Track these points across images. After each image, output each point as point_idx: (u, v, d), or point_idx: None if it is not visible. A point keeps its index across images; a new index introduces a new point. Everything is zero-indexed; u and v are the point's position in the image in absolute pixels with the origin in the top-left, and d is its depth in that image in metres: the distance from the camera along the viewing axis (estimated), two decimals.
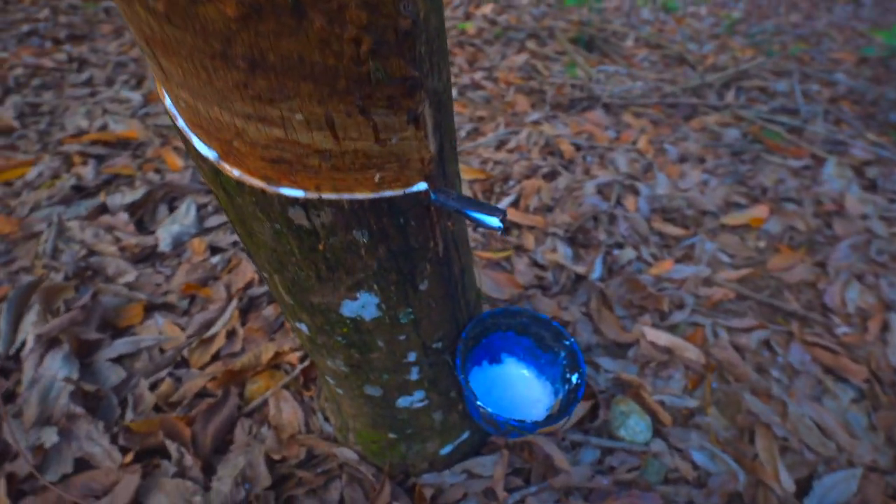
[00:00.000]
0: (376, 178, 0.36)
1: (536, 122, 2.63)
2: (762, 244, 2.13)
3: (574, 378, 0.99)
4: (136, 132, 2.36)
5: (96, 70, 2.78)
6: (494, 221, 0.43)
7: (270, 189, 0.36)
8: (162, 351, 1.53)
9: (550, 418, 0.92)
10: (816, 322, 1.84)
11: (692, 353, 1.72)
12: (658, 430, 1.55)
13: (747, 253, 2.11)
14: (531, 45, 3.41)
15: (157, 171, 2.18)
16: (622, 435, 1.51)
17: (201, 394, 1.44)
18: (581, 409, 1.52)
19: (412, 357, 0.73)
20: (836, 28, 3.58)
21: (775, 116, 2.70)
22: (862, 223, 2.15)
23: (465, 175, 2.28)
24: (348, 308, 0.51)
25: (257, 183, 0.35)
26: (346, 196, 0.37)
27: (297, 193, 0.37)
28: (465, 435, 1.25)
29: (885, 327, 1.79)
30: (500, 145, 2.52)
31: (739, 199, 2.29)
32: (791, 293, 1.96)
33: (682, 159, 2.46)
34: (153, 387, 1.44)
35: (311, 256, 0.44)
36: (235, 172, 0.35)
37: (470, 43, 3.38)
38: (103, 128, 2.38)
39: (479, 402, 0.92)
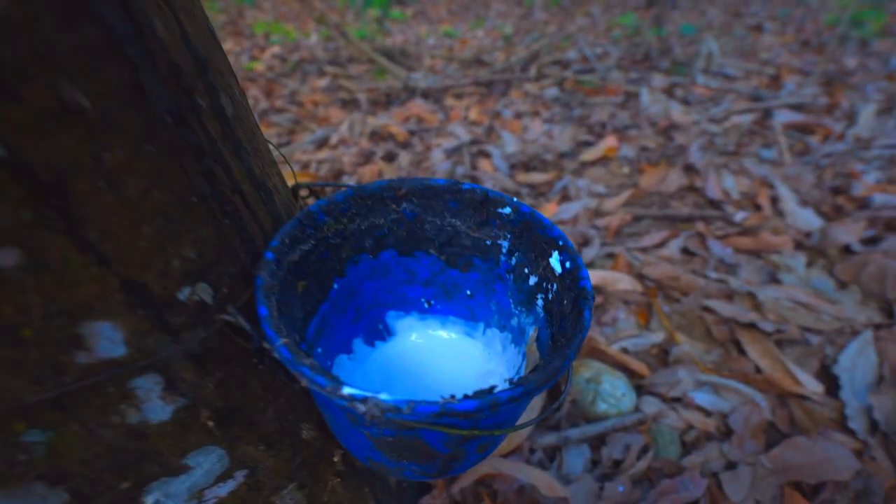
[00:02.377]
0: None
1: (357, 120, 2.14)
2: (626, 169, 1.89)
3: (556, 265, 0.40)
4: None
5: None
6: None
7: None
8: None
9: (526, 387, 0.30)
10: (715, 218, 1.59)
11: (625, 282, 1.28)
12: (640, 387, 1.03)
13: (618, 180, 1.83)
14: (331, 69, 3.01)
15: None
16: (603, 410, 0.95)
17: None
18: (534, 400, 0.93)
19: None
20: (585, 31, 3.92)
21: (580, 76, 2.64)
22: (697, 128, 2.05)
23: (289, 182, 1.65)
24: None
25: None
26: None
27: None
28: None
29: (774, 200, 1.58)
30: (321, 144, 1.95)
31: (587, 137, 2.05)
32: (676, 201, 1.69)
33: (519, 116, 2.17)
34: None
35: None
36: None
37: (263, 77, 2.84)
38: None
39: (346, 389, 0.27)
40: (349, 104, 2.55)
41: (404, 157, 1.81)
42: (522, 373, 0.46)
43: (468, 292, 0.52)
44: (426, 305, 0.54)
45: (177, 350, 0.32)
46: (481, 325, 0.52)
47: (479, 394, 0.29)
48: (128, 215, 0.28)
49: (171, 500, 0.37)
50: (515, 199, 0.44)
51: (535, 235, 0.42)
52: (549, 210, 1.60)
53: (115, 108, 0.26)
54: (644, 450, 0.88)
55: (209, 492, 0.39)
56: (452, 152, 1.86)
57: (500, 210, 0.44)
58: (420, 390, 0.50)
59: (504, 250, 0.46)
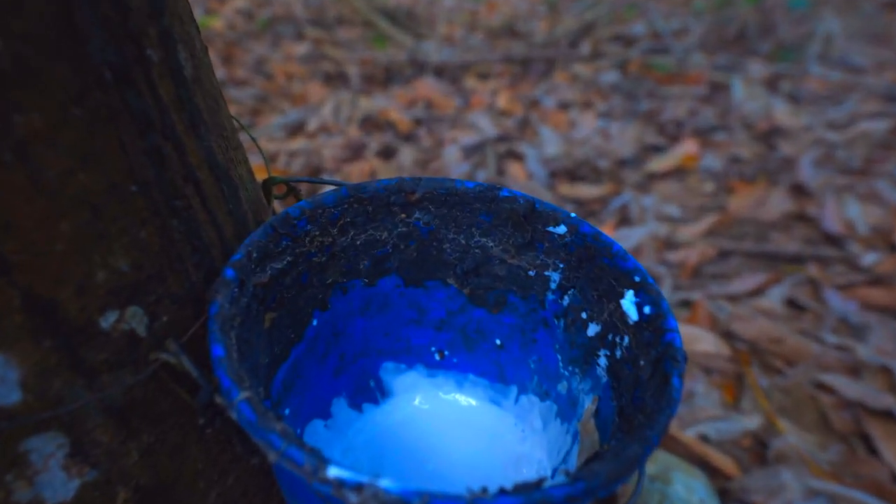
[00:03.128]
0: None
1: (345, 101, 2.18)
2: (710, 186, 1.89)
3: (630, 309, 0.39)
4: None
5: None
6: None
7: None
8: None
9: (590, 482, 0.28)
10: (834, 259, 1.58)
11: (706, 341, 1.26)
12: (725, 492, 0.99)
13: (698, 200, 1.84)
14: (314, 32, 3.08)
15: None
16: None
17: None
18: None
19: None
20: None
21: (649, 58, 2.68)
22: (809, 135, 2.05)
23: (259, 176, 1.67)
24: None
25: None
26: None
27: None
28: None
29: None
30: (295, 131, 1.98)
31: (656, 140, 2.07)
32: (779, 233, 1.69)
33: (565, 107, 2.20)
34: None
35: None
36: None
37: (221, 37, 2.92)
38: None
39: (333, 470, 0.26)
40: (335, 79, 2.59)
41: (406, 154, 1.82)
42: (572, 462, 0.44)
43: (498, 342, 0.50)
44: (437, 357, 0.53)
45: (92, 400, 0.31)
46: (514, 390, 0.51)
47: (523, 489, 0.27)
48: (41, 205, 0.27)
49: None
50: (574, 215, 0.43)
51: (599, 267, 0.41)
52: None
53: (34, 55, 0.25)
54: None
55: None
56: (472, 151, 1.87)
57: (550, 229, 0.43)
58: (421, 480, 0.48)
59: (553, 286, 0.45)
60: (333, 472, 0.27)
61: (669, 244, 1.63)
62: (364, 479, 0.26)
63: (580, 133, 2.06)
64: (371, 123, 2.03)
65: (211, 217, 0.37)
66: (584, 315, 0.44)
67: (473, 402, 0.53)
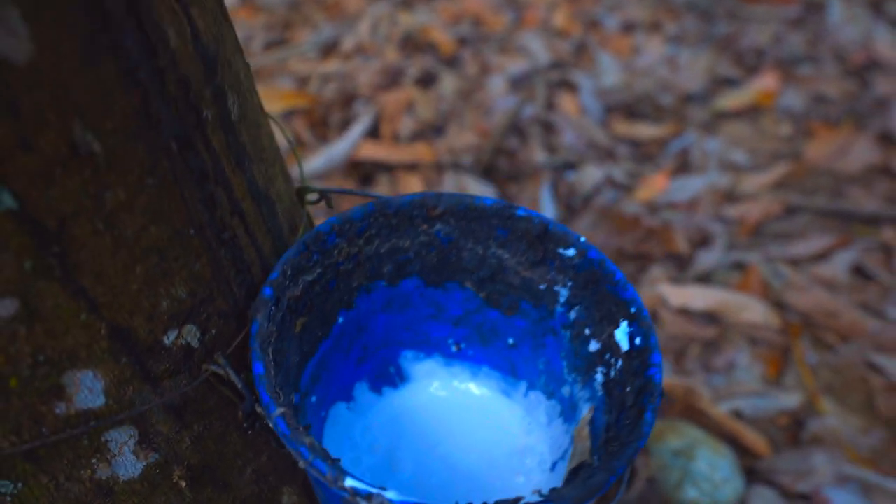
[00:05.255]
0: None
1: (383, 16, 2.20)
2: (787, 129, 1.89)
3: (623, 338, 0.48)
4: None
5: None
6: None
7: None
8: None
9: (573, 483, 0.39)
10: None
11: (755, 310, 1.34)
12: (752, 471, 1.10)
13: (771, 145, 1.85)
14: None
15: None
16: (692, 499, 1.04)
17: None
18: None
19: None
20: None
21: None
22: None
23: (274, 104, 1.77)
24: None
25: None
26: None
27: None
28: None
29: None
30: (328, 51, 2.04)
31: (731, 72, 2.06)
32: (858, 188, 1.70)
33: (629, 29, 2.18)
34: None
35: None
36: None
37: None
38: None
39: (349, 481, 0.37)
40: None
41: (448, 83, 1.87)
42: (567, 460, 0.55)
43: (511, 341, 0.60)
44: (454, 349, 0.63)
45: (156, 402, 0.43)
46: (523, 385, 0.62)
47: None
48: (122, 257, 0.37)
49: None
50: (583, 240, 0.52)
51: (602, 292, 0.50)
52: (656, 184, 1.65)
53: (120, 144, 0.35)
54: None
55: None
56: (520, 82, 1.91)
57: (560, 251, 0.52)
58: (433, 461, 0.60)
59: (562, 300, 0.54)
60: (350, 482, 0.38)
61: (730, 196, 1.67)
62: (374, 490, 0.37)
63: (644, 61, 2.06)
64: (411, 44, 2.07)
65: (252, 240, 0.47)
66: (587, 331, 0.53)
67: (486, 393, 0.64)
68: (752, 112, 1.94)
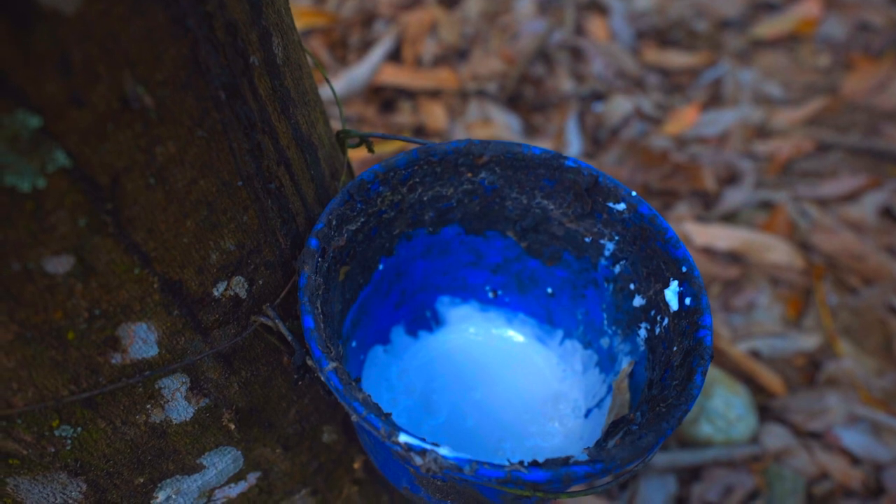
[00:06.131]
0: None
1: None
2: (825, 60, 1.82)
3: (672, 297, 0.47)
4: None
5: None
6: None
7: None
8: None
9: (607, 464, 0.38)
10: None
11: (779, 251, 1.33)
12: (765, 409, 1.12)
13: (806, 77, 1.79)
14: None
15: None
16: (706, 435, 1.06)
17: None
18: None
19: None
20: None
21: None
22: None
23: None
24: None
25: None
26: None
27: None
28: None
29: None
30: None
31: None
32: (894, 126, 1.65)
33: None
34: None
35: None
36: None
37: None
38: None
39: (403, 437, 0.37)
40: None
41: (473, 4, 1.79)
42: (606, 408, 0.55)
43: (549, 290, 0.60)
44: (491, 295, 0.63)
45: (206, 350, 0.43)
46: (559, 333, 0.61)
47: (552, 464, 0.38)
48: (173, 211, 0.36)
49: (182, 498, 0.50)
50: (634, 194, 0.50)
51: (651, 248, 0.49)
52: (686, 117, 1.61)
53: (170, 95, 0.33)
54: (751, 496, 1.00)
55: (219, 492, 0.53)
56: (549, 3, 1.82)
57: (610, 204, 0.51)
58: (467, 405, 0.61)
59: (607, 253, 0.53)
60: (403, 438, 0.38)
61: (762, 132, 1.63)
62: (427, 446, 0.38)
63: None
64: None
65: (297, 188, 0.46)
66: (631, 286, 0.52)
67: (522, 339, 0.64)
68: (790, 41, 1.87)
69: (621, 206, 0.51)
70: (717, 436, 1.07)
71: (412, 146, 0.52)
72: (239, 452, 0.51)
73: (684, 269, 0.47)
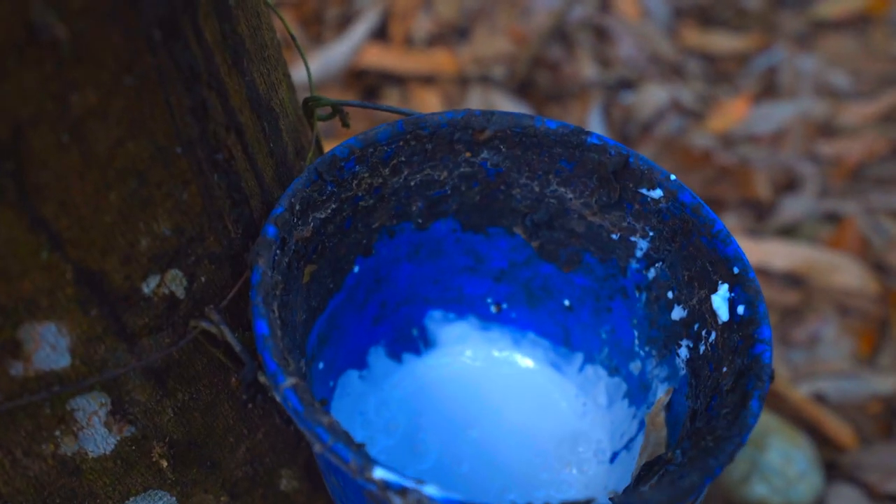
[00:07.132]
0: None
1: None
2: None
3: (721, 305, 0.46)
4: None
5: None
6: None
7: None
8: None
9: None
10: None
11: (849, 272, 1.34)
12: (833, 466, 1.12)
13: (878, 66, 1.81)
14: None
15: None
16: (760, 497, 1.05)
17: None
18: None
19: None
20: None
21: None
22: None
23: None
24: None
25: None
26: None
27: None
28: None
29: None
30: None
31: None
32: None
33: None
34: None
35: None
36: None
37: None
38: None
39: (379, 472, 0.36)
40: None
41: None
42: (636, 450, 0.54)
43: (566, 302, 0.59)
44: (493, 310, 0.62)
45: (132, 363, 0.41)
46: (579, 357, 0.61)
47: None
48: (92, 179, 0.35)
49: None
50: (674, 178, 0.49)
51: (695, 245, 0.48)
52: (734, 111, 1.63)
53: (90, 28, 0.32)
54: None
55: None
56: None
57: (643, 191, 0.50)
58: (463, 446, 0.60)
59: (639, 254, 0.52)
60: (379, 473, 0.36)
61: (826, 130, 1.64)
62: (409, 483, 0.36)
63: None
64: None
65: (251, 163, 0.45)
66: (670, 294, 0.51)
67: (531, 365, 0.63)
68: (859, 23, 1.89)
69: (657, 194, 0.50)
70: (774, 498, 1.05)
71: (397, 118, 0.51)
72: (173, 499, 0.50)
73: (736, 271, 0.47)
